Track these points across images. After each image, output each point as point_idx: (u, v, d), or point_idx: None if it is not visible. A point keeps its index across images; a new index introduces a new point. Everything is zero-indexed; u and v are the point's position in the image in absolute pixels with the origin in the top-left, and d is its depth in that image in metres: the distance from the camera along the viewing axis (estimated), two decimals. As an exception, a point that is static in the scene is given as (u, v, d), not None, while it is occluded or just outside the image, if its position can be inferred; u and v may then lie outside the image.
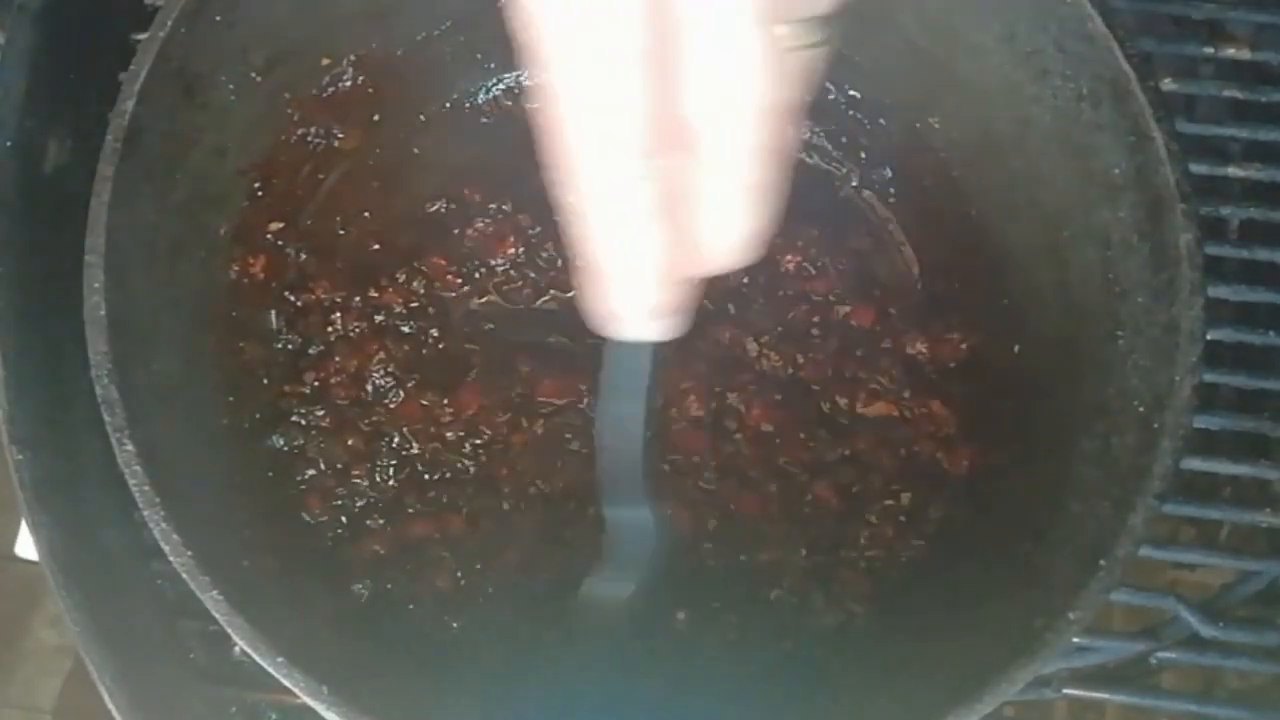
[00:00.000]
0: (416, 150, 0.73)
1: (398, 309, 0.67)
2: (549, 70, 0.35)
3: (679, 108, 0.35)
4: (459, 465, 0.65)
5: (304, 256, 0.67)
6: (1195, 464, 0.66)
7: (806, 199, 0.71)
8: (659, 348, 0.44)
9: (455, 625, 0.62)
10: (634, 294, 0.38)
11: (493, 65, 0.73)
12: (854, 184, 0.73)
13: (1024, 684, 0.50)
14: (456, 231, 0.69)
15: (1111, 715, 0.76)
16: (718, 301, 0.68)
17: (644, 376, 0.47)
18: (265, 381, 0.65)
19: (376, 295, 0.67)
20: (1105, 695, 0.65)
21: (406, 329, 0.67)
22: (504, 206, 0.69)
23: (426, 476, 0.65)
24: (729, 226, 0.37)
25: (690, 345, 0.66)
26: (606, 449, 0.51)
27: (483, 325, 0.68)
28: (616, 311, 0.39)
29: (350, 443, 0.64)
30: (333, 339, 0.66)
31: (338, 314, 0.66)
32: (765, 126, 0.35)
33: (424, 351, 0.67)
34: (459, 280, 0.68)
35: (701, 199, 0.37)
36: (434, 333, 0.67)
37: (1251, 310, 0.70)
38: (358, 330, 0.66)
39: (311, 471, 0.64)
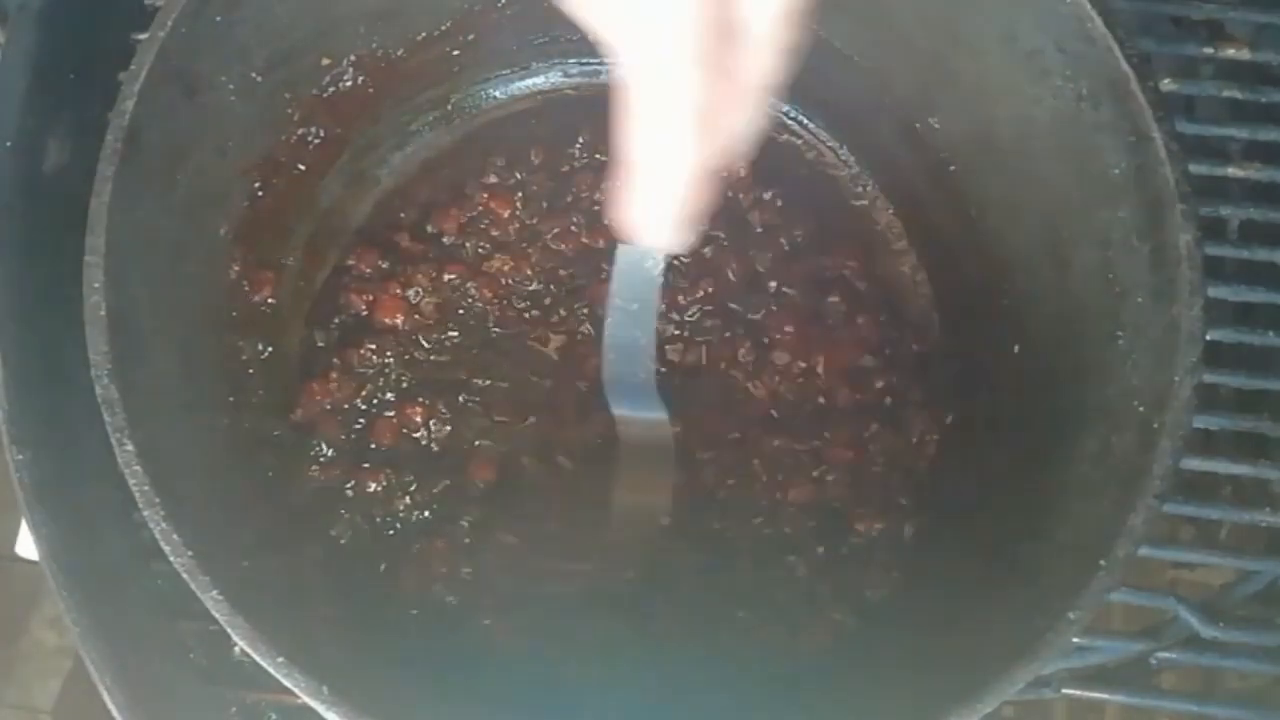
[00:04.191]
0: (417, 150, 0.73)
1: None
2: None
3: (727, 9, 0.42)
4: (460, 470, 0.65)
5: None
6: (1195, 464, 0.66)
7: (806, 199, 0.71)
8: (669, 258, 0.53)
9: (456, 625, 0.62)
10: (662, 196, 0.45)
11: (493, 65, 0.73)
12: (853, 184, 0.73)
13: (1024, 684, 0.50)
14: (457, 230, 0.69)
15: (1111, 715, 0.76)
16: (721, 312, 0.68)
17: (656, 282, 0.53)
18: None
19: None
20: (1105, 695, 0.65)
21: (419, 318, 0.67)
22: (505, 205, 0.69)
23: (428, 479, 0.65)
24: (741, 123, 0.45)
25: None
26: (615, 356, 0.57)
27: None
28: (645, 215, 0.46)
29: (353, 442, 0.65)
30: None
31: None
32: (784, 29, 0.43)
33: (436, 345, 0.67)
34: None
35: (725, 97, 0.43)
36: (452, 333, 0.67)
37: (1251, 310, 0.70)
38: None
39: (313, 472, 0.64)
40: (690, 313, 0.68)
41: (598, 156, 0.70)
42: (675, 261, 0.67)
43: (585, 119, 0.71)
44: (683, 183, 0.44)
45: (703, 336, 0.67)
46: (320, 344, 0.67)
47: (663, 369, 0.65)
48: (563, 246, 0.69)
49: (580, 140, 0.71)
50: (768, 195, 0.70)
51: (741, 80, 0.44)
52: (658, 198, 0.45)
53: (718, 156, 0.45)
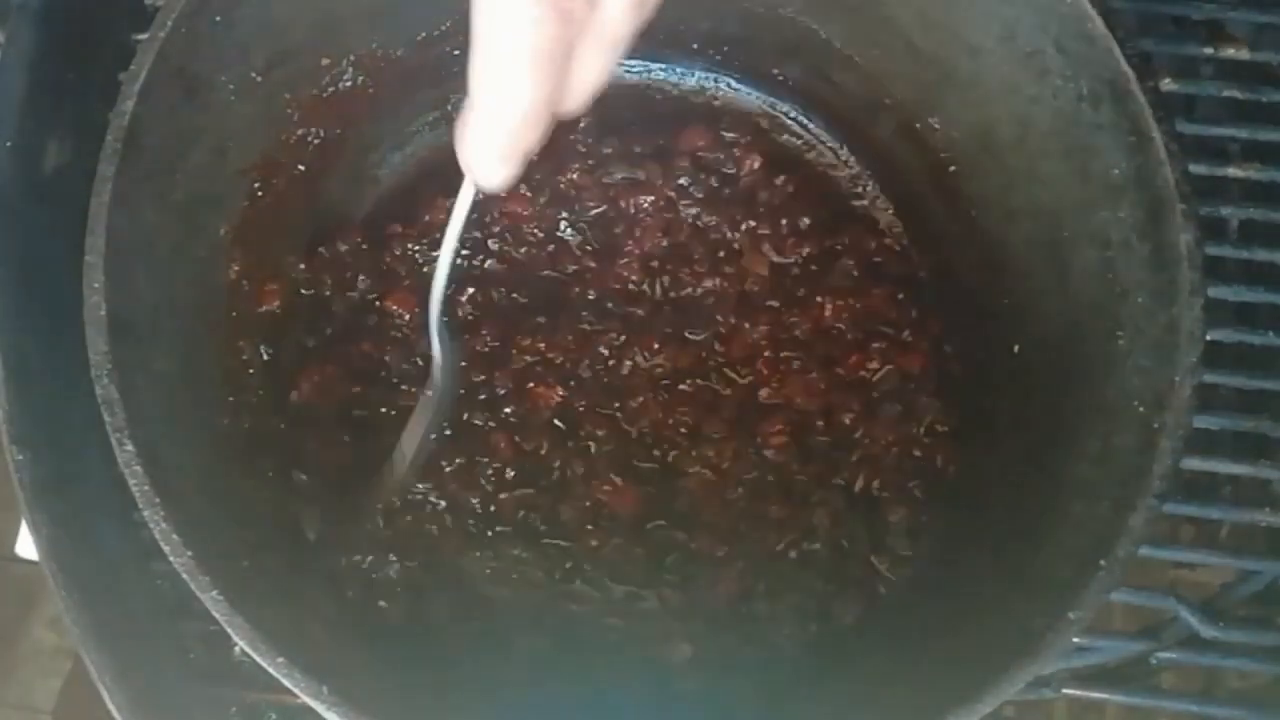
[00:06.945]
0: (416, 150, 0.73)
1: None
2: None
3: None
4: (459, 467, 0.65)
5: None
6: (1195, 464, 0.66)
7: (807, 199, 0.71)
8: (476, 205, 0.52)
9: (455, 625, 0.62)
10: (501, 134, 0.43)
11: (493, 65, 0.73)
12: (853, 184, 0.73)
13: (1024, 684, 0.50)
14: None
15: (1111, 715, 0.76)
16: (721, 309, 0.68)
17: (460, 220, 0.53)
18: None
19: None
20: (1105, 695, 0.65)
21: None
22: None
23: (427, 475, 0.65)
24: (591, 75, 0.43)
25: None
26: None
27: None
28: (481, 153, 0.44)
29: (355, 437, 0.65)
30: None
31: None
32: None
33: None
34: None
35: (580, 48, 0.42)
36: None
37: (1251, 310, 0.70)
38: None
39: (312, 467, 0.64)
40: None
41: (603, 151, 0.70)
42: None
43: (583, 117, 0.71)
44: (518, 121, 0.43)
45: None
46: (320, 344, 0.67)
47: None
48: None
49: (578, 138, 0.71)
50: (779, 180, 0.70)
51: (598, 29, 0.42)
52: (490, 133, 0.43)
53: (562, 102, 0.43)
